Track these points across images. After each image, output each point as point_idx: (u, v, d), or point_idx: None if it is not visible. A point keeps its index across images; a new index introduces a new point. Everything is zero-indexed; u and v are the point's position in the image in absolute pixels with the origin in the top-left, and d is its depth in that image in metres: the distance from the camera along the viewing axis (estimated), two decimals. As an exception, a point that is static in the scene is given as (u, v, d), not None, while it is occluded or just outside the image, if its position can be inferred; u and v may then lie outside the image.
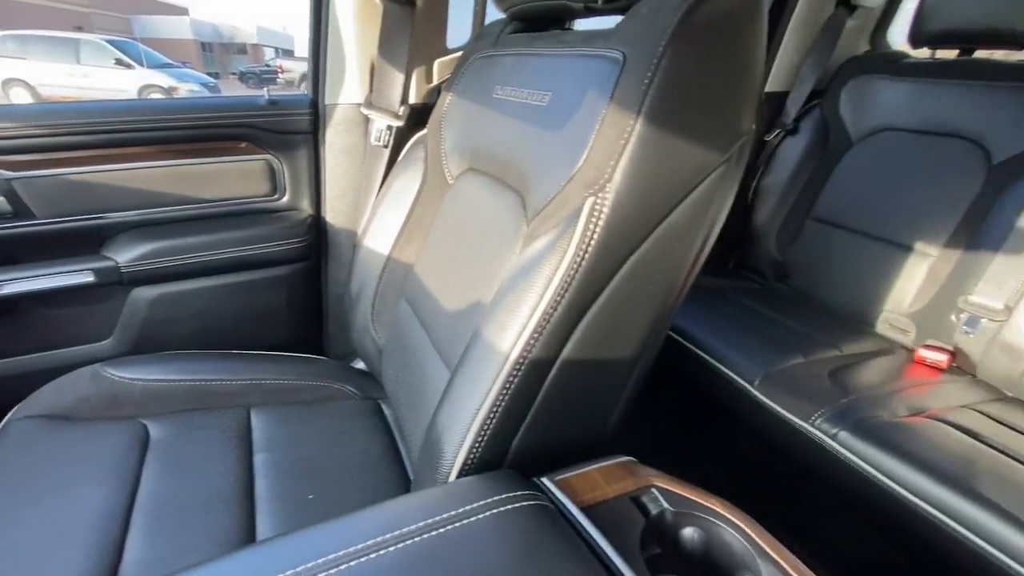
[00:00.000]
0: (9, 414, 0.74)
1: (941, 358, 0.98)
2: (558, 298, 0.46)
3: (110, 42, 8.64)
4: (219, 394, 0.86)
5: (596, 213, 0.45)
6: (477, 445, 0.48)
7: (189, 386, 0.85)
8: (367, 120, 0.94)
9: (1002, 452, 0.74)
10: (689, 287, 0.56)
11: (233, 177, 0.97)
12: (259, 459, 0.75)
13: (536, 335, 0.46)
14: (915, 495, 0.68)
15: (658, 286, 0.51)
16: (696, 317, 1.07)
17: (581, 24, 0.73)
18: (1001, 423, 0.83)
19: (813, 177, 1.29)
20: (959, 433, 0.77)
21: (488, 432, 0.48)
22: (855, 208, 1.21)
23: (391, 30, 0.86)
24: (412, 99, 0.94)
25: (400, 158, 0.89)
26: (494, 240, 0.62)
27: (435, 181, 0.82)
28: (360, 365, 1.02)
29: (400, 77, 0.88)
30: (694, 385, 1.02)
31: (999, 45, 1.09)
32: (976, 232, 1.01)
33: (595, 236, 0.45)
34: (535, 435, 0.51)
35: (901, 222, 1.13)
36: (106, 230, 0.93)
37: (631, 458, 0.50)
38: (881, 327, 1.13)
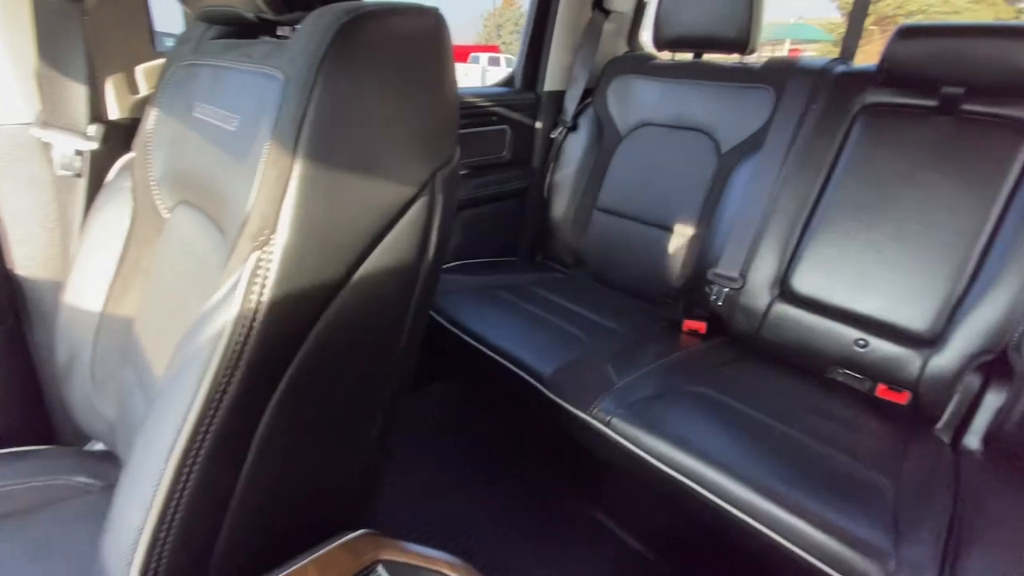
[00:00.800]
0: None
1: (700, 325, 1.13)
2: (228, 369, 0.38)
3: None
4: None
5: (262, 271, 0.38)
6: (154, 565, 0.38)
7: None
8: (47, 144, 0.73)
9: (738, 409, 0.86)
10: (425, 319, 0.52)
11: None
12: None
13: (208, 418, 0.38)
14: (668, 466, 0.75)
15: (377, 332, 0.47)
16: (494, 320, 1.07)
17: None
18: (742, 377, 0.97)
19: (595, 170, 1.39)
20: (706, 399, 0.89)
21: (166, 547, 0.38)
22: (629, 197, 1.34)
23: (51, 26, 0.67)
24: (114, 114, 0.76)
25: (102, 189, 0.71)
26: (203, 289, 0.52)
27: (148, 216, 0.68)
28: (101, 446, 0.82)
29: (81, 88, 0.70)
30: (498, 391, 1.03)
31: (719, 50, 1.27)
32: (714, 213, 1.18)
33: (264, 297, 0.38)
34: (247, 531, 0.43)
35: (665, 207, 1.27)
36: None
37: (366, 531, 0.45)
38: (659, 303, 1.26)
